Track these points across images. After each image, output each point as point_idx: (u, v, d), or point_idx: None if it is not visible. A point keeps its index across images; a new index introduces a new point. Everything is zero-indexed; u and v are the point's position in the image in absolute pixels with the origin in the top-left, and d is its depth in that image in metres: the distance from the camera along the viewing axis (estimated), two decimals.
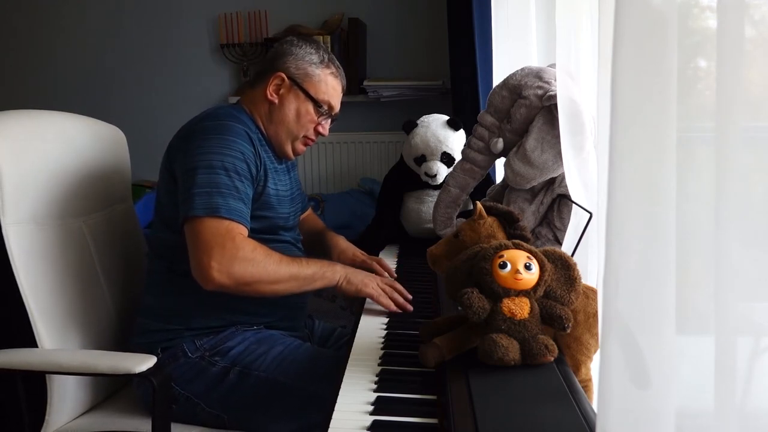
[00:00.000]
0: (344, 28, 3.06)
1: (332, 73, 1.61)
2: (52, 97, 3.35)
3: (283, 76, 1.57)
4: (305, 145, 1.63)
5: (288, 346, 1.48)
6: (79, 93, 3.34)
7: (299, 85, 1.57)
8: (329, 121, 1.65)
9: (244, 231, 1.41)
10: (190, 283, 1.43)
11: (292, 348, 1.48)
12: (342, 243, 1.82)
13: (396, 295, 1.47)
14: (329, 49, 2.99)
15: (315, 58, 1.60)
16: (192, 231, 1.39)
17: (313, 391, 1.37)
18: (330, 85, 1.61)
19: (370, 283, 1.48)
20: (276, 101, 1.58)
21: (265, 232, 1.51)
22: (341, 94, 1.66)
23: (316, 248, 1.84)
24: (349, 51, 3.01)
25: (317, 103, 1.58)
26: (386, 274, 1.67)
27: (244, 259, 1.36)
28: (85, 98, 3.25)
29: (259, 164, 1.50)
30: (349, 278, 1.48)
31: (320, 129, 1.62)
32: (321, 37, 2.98)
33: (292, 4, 3.19)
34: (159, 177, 1.57)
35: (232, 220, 1.38)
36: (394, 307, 1.45)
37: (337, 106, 1.64)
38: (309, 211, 1.98)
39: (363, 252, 1.79)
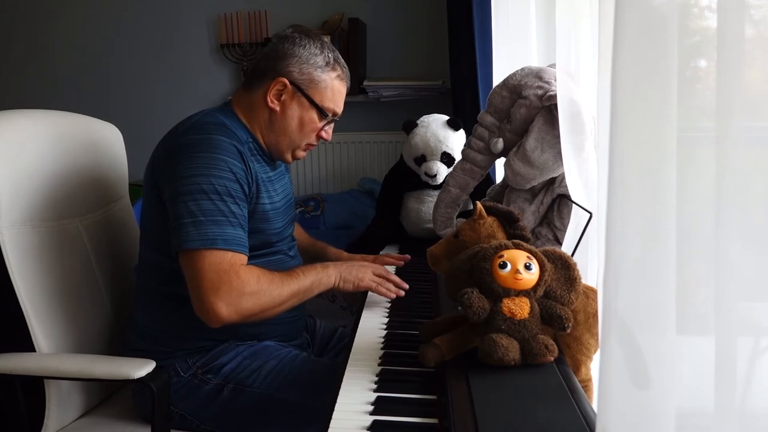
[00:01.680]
0: (344, 28, 3.06)
1: (338, 76, 1.50)
2: (51, 98, 3.35)
3: (286, 81, 1.45)
4: (305, 150, 1.56)
5: (282, 359, 1.45)
6: (80, 93, 3.34)
7: (303, 92, 1.47)
8: (332, 125, 1.57)
9: (245, 259, 1.35)
10: (179, 305, 1.41)
11: (286, 361, 1.44)
12: (344, 254, 1.82)
13: (389, 284, 1.48)
14: None
15: (320, 60, 1.48)
16: (191, 266, 1.31)
17: (309, 405, 1.35)
18: (336, 91, 1.50)
19: (365, 277, 1.47)
20: (277, 109, 1.47)
21: (258, 248, 1.45)
22: (345, 95, 1.56)
23: (311, 260, 1.78)
24: (349, 51, 3.01)
25: (322, 111, 1.49)
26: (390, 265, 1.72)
27: (251, 293, 1.31)
28: (85, 98, 3.25)
29: (251, 180, 1.41)
30: (344, 276, 1.45)
31: (323, 135, 1.54)
32: None
33: (292, 4, 3.19)
34: (143, 189, 1.49)
35: (232, 251, 1.31)
36: (392, 295, 1.47)
37: (341, 110, 1.55)
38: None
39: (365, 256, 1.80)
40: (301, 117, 1.48)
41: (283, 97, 1.47)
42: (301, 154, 1.55)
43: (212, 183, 1.32)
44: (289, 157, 1.54)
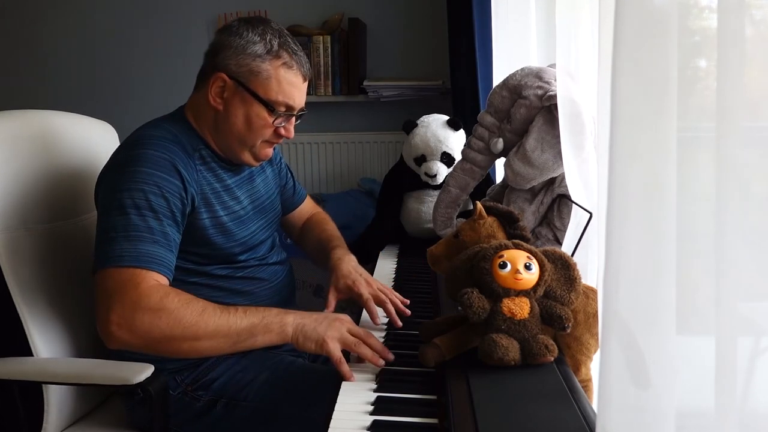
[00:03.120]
0: (344, 28, 3.06)
1: (284, 63, 1.33)
2: (50, 98, 3.34)
3: (224, 76, 1.32)
4: (267, 149, 1.41)
5: (275, 369, 1.37)
6: (78, 93, 3.34)
7: (244, 86, 1.32)
8: (292, 120, 1.40)
9: (157, 277, 1.19)
10: None
11: (280, 371, 1.36)
12: (344, 266, 1.46)
13: (364, 348, 1.15)
14: (328, 49, 2.99)
15: (259, 48, 1.32)
16: (96, 283, 1.20)
17: (304, 415, 1.29)
18: (283, 80, 1.33)
19: (331, 340, 1.16)
20: (221, 107, 1.34)
21: (221, 263, 1.37)
22: (303, 85, 1.38)
23: (321, 264, 1.57)
24: (349, 51, 3.01)
25: (269, 105, 1.33)
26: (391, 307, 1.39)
27: (148, 309, 1.14)
28: (84, 99, 3.25)
29: (185, 196, 1.28)
30: (306, 332, 1.18)
31: (282, 132, 1.37)
32: (321, 37, 2.98)
33: (292, 4, 3.19)
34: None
35: (140, 267, 1.18)
36: (350, 378, 1.11)
37: (298, 102, 1.38)
38: (311, 210, 1.77)
39: (367, 282, 1.42)
40: (247, 114, 1.34)
41: (225, 94, 1.34)
42: (264, 153, 1.40)
43: (132, 197, 1.22)
44: (248, 158, 1.39)
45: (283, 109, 1.36)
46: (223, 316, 1.18)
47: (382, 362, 1.14)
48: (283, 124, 1.38)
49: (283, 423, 1.31)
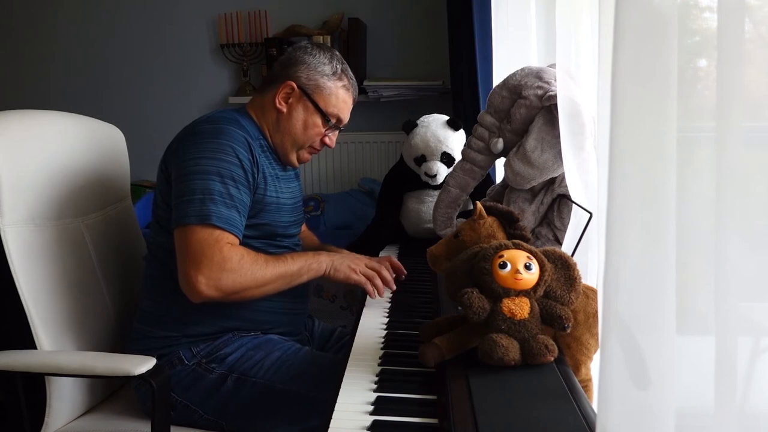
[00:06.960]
0: (344, 28, 3.06)
1: (344, 85, 1.59)
2: (51, 97, 3.35)
3: (293, 85, 1.55)
4: (310, 154, 1.62)
5: (286, 351, 1.48)
6: (79, 93, 3.34)
7: (309, 97, 1.55)
8: (336, 132, 1.63)
9: (234, 240, 1.40)
10: None
11: (290, 353, 1.47)
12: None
13: (378, 281, 1.50)
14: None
15: (328, 69, 1.57)
16: (181, 239, 1.38)
17: (311, 397, 1.36)
18: (341, 99, 1.58)
19: (357, 269, 1.50)
20: (284, 110, 1.56)
21: (263, 238, 1.51)
22: (351, 106, 1.63)
23: None
24: (349, 51, 3.01)
25: (326, 116, 1.56)
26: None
27: (231, 270, 1.36)
28: (84, 98, 3.25)
29: (256, 171, 1.48)
30: (336, 266, 1.49)
31: (326, 140, 1.61)
32: (321, 37, 2.98)
33: (292, 4, 3.19)
34: (156, 179, 1.55)
35: (222, 229, 1.37)
36: (376, 296, 1.49)
37: (346, 119, 1.62)
38: (304, 227, 1.93)
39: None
40: (305, 120, 1.56)
41: (290, 100, 1.56)
42: (305, 156, 1.62)
43: (216, 165, 1.40)
44: (294, 158, 1.60)
45: (334, 121, 1.59)
46: (279, 264, 1.43)
47: (393, 287, 1.53)
48: (329, 134, 1.60)
49: (289, 402, 1.39)
